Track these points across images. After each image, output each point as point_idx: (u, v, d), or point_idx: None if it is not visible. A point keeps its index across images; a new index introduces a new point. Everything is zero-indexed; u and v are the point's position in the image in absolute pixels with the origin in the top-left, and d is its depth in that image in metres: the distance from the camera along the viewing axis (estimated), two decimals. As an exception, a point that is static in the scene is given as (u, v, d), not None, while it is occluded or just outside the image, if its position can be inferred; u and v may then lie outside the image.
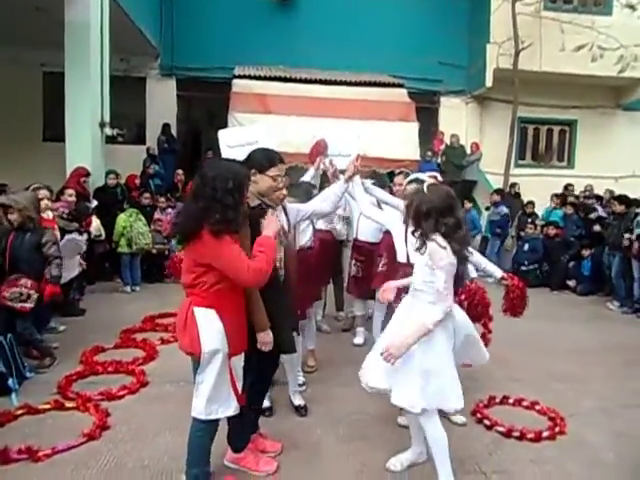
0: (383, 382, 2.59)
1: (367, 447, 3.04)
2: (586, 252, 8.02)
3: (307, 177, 4.32)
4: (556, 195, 9.89)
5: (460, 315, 2.69)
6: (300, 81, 9.49)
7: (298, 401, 3.52)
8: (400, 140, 8.65)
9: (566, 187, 10.64)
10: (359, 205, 3.59)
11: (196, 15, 10.91)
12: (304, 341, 4.13)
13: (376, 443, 3.08)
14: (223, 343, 2.33)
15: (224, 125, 8.14)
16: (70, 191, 5.90)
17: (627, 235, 6.77)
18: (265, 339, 2.55)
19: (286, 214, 3.19)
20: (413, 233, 2.55)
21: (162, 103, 11.04)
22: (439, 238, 2.43)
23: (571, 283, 8.15)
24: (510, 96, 10.95)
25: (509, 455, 3.02)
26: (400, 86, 9.96)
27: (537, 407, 3.63)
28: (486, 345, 3.22)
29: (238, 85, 9.21)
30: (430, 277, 2.46)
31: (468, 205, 9.28)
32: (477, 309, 3.24)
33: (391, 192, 4.28)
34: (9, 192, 5.00)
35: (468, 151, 11.19)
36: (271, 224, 2.47)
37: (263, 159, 2.72)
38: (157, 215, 7.92)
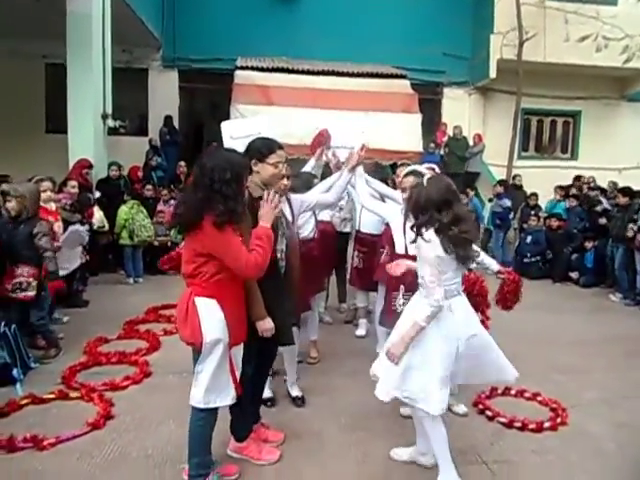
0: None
1: (369, 437, 3.06)
2: (589, 244, 8.01)
3: (308, 167, 4.31)
4: (560, 187, 9.85)
5: (462, 314, 2.54)
6: (303, 72, 9.46)
7: (295, 392, 3.54)
8: (403, 132, 8.63)
9: (576, 178, 10.42)
10: (359, 196, 3.59)
11: (198, 6, 10.87)
12: (307, 332, 4.15)
13: (378, 433, 3.10)
14: (224, 333, 2.34)
15: (226, 117, 8.13)
16: (73, 182, 5.91)
17: (631, 225, 6.75)
18: (265, 326, 2.56)
19: (290, 205, 3.20)
20: (411, 227, 2.53)
21: (164, 95, 11.01)
22: (427, 232, 2.43)
23: (574, 275, 8.13)
24: (514, 87, 10.88)
25: (511, 445, 3.04)
26: (403, 77, 9.92)
27: (539, 398, 3.64)
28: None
29: (240, 76, 9.18)
30: (421, 271, 2.47)
31: (471, 193, 9.25)
32: (477, 299, 3.25)
33: (394, 184, 4.27)
34: (11, 183, 5.00)
35: (471, 143, 11.15)
36: (267, 213, 2.46)
37: (262, 147, 2.72)
38: (160, 207, 7.93)
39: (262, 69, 9.50)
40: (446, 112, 11.97)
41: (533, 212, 9.10)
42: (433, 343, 2.44)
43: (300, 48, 10.46)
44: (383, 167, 8.31)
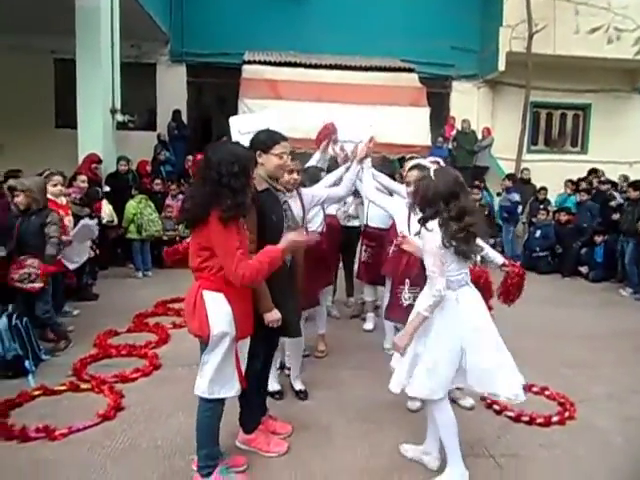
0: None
1: (376, 431, 3.08)
2: (599, 238, 7.95)
3: (313, 161, 4.32)
4: (570, 181, 9.77)
5: (468, 305, 2.53)
6: (310, 66, 9.44)
7: (299, 386, 3.57)
8: (411, 125, 8.59)
9: (590, 172, 10.13)
10: (364, 189, 3.59)
11: (206, 0, 10.85)
12: (315, 326, 4.17)
13: (385, 427, 3.11)
14: (231, 326, 2.36)
15: (234, 111, 8.14)
16: (82, 177, 5.96)
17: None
18: (273, 317, 2.58)
19: (300, 199, 3.21)
20: (419, 220, 2.53)
21: (172, 89, 11.03)
22: (430, 222, 2.44)
23: (583, 269, 8.09)
24: (523, 80, 10.78)
25: (518, 439, 3.04)
26: (411, 71, 9.87)
27: (547, 392, 3.64)
28: None
29: (248, 71, 9.19)
30: (425, 262, 2.48)
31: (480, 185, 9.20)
32: (482, 293, 3.25)
33: (402, 178, 4.27)
34: (19, 178, 5.04)
35: (479, 136, 11.08)
36: (292, 243, 2.43)
37: (265, 139, 2.73)
38: (168, 201, 7.97)
39: (270, 63, 9.50)
40: (454, 106, 11.89)
41: (542, 206, 9.04)
42: (435, 331, 2.46)
43: (308, 42, 10.42)
44: (391, 161, 8.27)
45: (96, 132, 7.58)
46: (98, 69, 7.54)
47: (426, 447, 2.78)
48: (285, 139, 2.77)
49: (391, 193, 4.05)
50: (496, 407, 3.36)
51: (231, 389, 2.45)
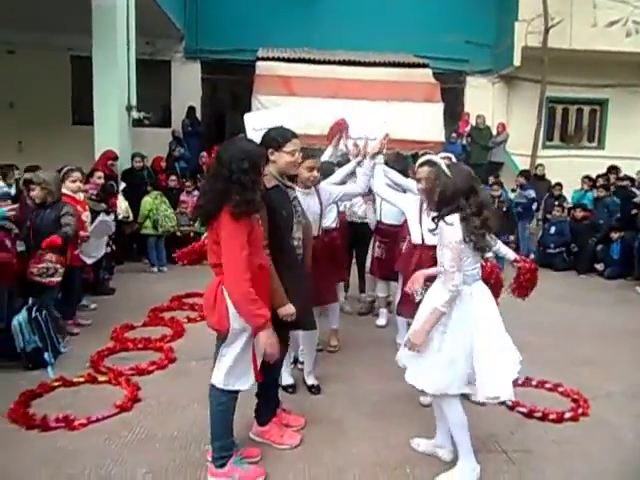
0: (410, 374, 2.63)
1: (388, 425, 3.10)
2: (615, 235, 7.86)
3: (325, 157, 4.34)
4: (588, 177, 9.66)
5: (481, 299, 2.53)
6: (324, 63, 9.45)
7: (311, 381, 3.60)
8: (425, 121, 8.57)
9: (610, 169, 9.91)
10: (375, 185, 3.60)
11: (220, -3, 10.91)
12: (328, 321, 4.21)
13: (397, 421, 3.13)
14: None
15: (248, 107, 8.19)
16: (99, 173, 6.05)
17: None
18: (287, 311, 2.61)
19: (318, 195, 3.25)
20: (435, 218, 2.52)
21: (187, 86, 11.12)
22: (450, 216, 2.42)
23: (599, 267, 8.01)
24: (538, 75, 10.68)
25: (531, 435, 3.04)
26: (425, 66, 9.83)
27: (560, 389, 3.63)
28: None
29: (262, 67, 9.22)
30: (441, 257, 2.47)
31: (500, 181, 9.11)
32: (494, 289, 3.26)
33: (414, 174, 4.27)
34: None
35: (494, 132, 10.99)
36: (266, 344, 2.38)
37: (277, 136, 2.76)
38: (183, 197, 8.06)
39: (283, 60, 9.52)
40: (469, 101, 11.82)
41: (557, 202, 8.96)
42: (451, 328, 2.46)
43: (321, 38, 10.44)
44: (404, 157, 8.26)
45: (112, 129, 7.67)
46: (114, 67, 7.63)
47: (437, 441, 2.79)
48: (296, 136, 2.80)
49: (405, 190, 4.07)
50: (509, 403, 3.35)
51: (246, 382, 2.49)
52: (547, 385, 3.68)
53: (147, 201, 7.27)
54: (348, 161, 4.13)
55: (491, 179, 9.22)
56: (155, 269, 7.26)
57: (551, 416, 3.20)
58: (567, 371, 3.93)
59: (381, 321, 5.09)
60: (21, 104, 10.45)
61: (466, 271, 2.47)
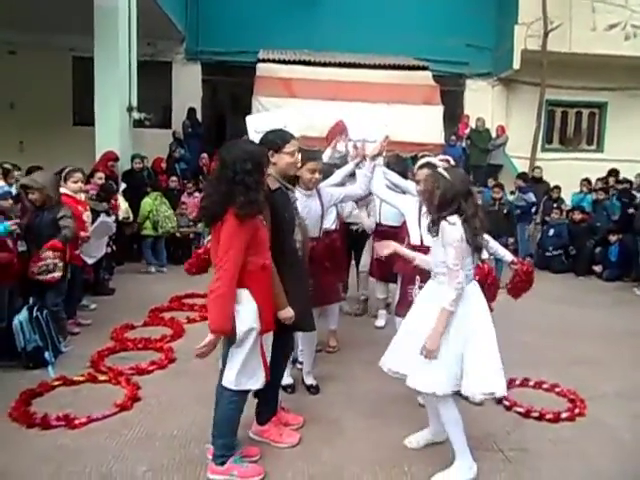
0: (403, 367, 2.64)
1: (386, 424, 3.12)
2: (613, 237, 7.90)
3: (325, 158, 4.37)
4: (587, 180, 9.71)
5: (476, 298, 2.59)
6: (324, 65, 9.49)
7: (310, 381, 3.63)
8: (424, 124, 8.61)
9: (610, 173, 9.84)
10: (374, 187, 3.64)
11: (221, -1, 10.95)
12: (327, 322, 4.23)
13: (395, 421, 3.16)
14: (257, 321, 2.43)
15: (248, 109, 8.23)
16: (100, 174, 6.08)
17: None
18: (286, 315, 2.65)
19: (320, 197, 3.28)
20: (436, 219, 2.55)
21: (187, 87, 11.17)
22: (451, 217, 2.47)
23: (597, 269, 8.05)
24: (538, 78, 10.73)
25: (527, 434, 3.07)
26: (425, 69, 9.87)
27: (557, 389, 3.66)
28: None
29: (262, 69, 9.26)
30: (444, 257, 2.50)
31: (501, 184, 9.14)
32: (489, 290, 3.30)
33: (414, 176, 4.30)
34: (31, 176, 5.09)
35: (494, 135, 11.04)
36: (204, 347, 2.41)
37: (276, 138, 2.80)
38: (184, 198, 8.09)
39: (284, 62, 9.57)
40: (469, 104, 11.87)
41: (555, 205, 8.99)
42: (455, 325, 2.48)
43: (322, 40, 10.50)
44: (404, 159, 8.29)
45: (113, 130, 7.70)
46: (115, 68, 7.66)
47: (432, 429, 2.86)
48: (294, 137, 2.85)
49: (404, 191, 4.10)
50: (506, 403, 3.39)
51: (257, 381, 2.52)
52: (544, 385, 3.71)
53: (147, 202, 7.30)
54: (347, 163, 4.17)
55: (491, 182, 9.25)
56: (152, 269, 7.27)
57: (548, 416, 3.23)
58: (565, 372, 3.96)
59: (380, 322, 5.11)
60: (22, 104, 10.48)
61: (465, 270, 2.51)
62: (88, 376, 3.63)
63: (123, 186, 7.45)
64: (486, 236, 3.29)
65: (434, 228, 2.55)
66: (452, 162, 3.41)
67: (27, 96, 10.30)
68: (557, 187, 9.44)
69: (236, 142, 2.61)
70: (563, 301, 6.41)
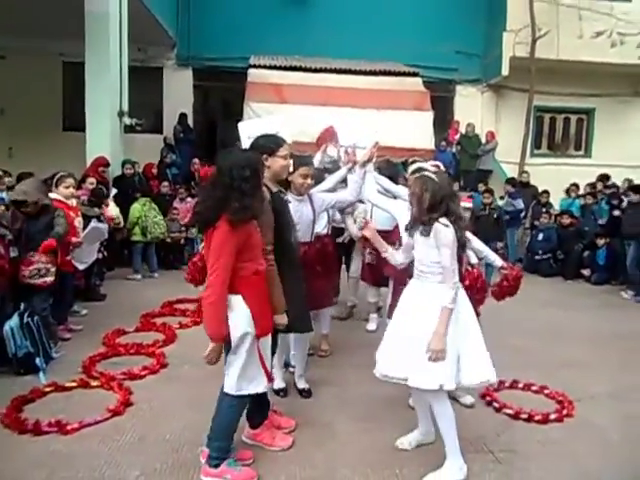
0: (399, 371, 2.68)
1: (377, 427, 3.15)
2: (601, 241, 8.00)
3: (316, 163, 4.41)
4: (575, 185, 9.84)
5: (462, 298, 2.69)
6: (315, 71, 9.55)
7: (302, 385, 3.65)
8: (414, 129, 8.69)
9: (601, 178, 9.98)
10: (366, 192, 3.68)
11: (212, 5, 10.99)
12: (318, 326, 4.26)
13: (386, 423, 3.18)
14: (251, 326, 2.45)
15: (240, 115, 8.26)
16: (91, 180, 6.07)
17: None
18: (281, 320, 2.70)
19: (311, 202, 3.32)
20: (428, 220, 2.61)
21: (179, 93, 11.17)
22: (442, 219, 2.57)
23: (585, 272, 8.15)
24: (526, 85, 10.87)
25: (517, 436, 3.11)
26: (415, 75, 9.97)
27: (546, 391, 3.71)
28: None
29: (254, 75, 9.29)
30: (437, 257, 2.58)
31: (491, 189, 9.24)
32: (479, 294, 3.37)
33: (406, 181, 4.35)
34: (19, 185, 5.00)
35: (483, 140, 11.15)
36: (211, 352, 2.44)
37: (270, 143, 2.87)
38: (176, 204, 8.09)
39: (275, 67, 9.61)
40: (459, 110, 11.97)
41: (544, 209, 9.10)
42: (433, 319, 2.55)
43: (313, 46, 10.55)
44: (395, 164, 8.36)
45: (104, 135, 7.69)
46: (106, 73, 7.66)
47: (421, 429, 2.91)
48: (285, 141, 2.93)
49: (394, 196, 4.14)
50: (496, 405, 3.44)
51: (258, 385, 2.55)
52: (533, 387, 3.76)
53: (136, 208, 7.26)
54: (338, 168, 4.21)
55: (482, 187, 9.35)
56: (139, 276, 7.20)
57: (537, 417, 3.28)
58: (553, 374, 4.02)
59: (371, 326, 5.15)
60: (12, 110, 10.43)
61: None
62: (80, 382, 3.62)
63: (114, 191, 7.43)
64: (477, 241, 3.38)
65: (425, 230, 2.61)
66: (442, 167, 3.46)
67: (17, 101, 10.25)
68: (546, 192, 9.56)
69: (232, 150, 2.67)
70: (552, 304, 6.48)
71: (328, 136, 4.45)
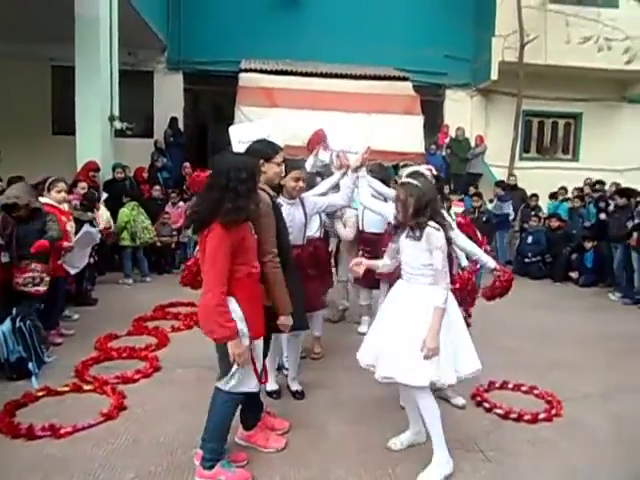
0: (391, 370, 2.72)
1: (370, 428, 3.19)
2: (589, 244, 8.11)
3: (308, 167, 4.44)
4: (563, 189, 9.97)
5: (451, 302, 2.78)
6: (306, 75, 9.61)
7: (295, 387, 3.68)
8: (405, 133, 8.77)
9: (595, 184, 9.82)
10: (361, 197, 3.73)
11: (203, 8, 11.00)
12: (311, 329, 4.28)
13: (378, 424, 3.22)
14: (244, 328, 2.47)
15: (231, 118, 8.28)
16: (83, 184, 6.06)
17: (630, 223, 6.85)
18: (286, 321, 2.77)
19: (303, 206, 3.36)
20: (417, 224, 2.67)
21: (169, 97, 11.17)
22: (432, 222, 2.65)
23: (573, 275, 8.24)
24: (515, 89, 11.01)
25: (506, 435, 3.16)
26: (405, 79, 10.06)
27: (535, 391, 3.76)
28: (467, 327, 3.48)
29: (244, 79, 9.33)
30: (429, 260, 2.65)
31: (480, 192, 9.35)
32: (470, 296, 3.43)
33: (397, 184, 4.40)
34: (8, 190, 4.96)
35: (473, 144, 11.26)
36: (237, 353, 2.44)
37: (267, 149, 2.91)
38: (168, 208, 8.08)
39: (266, 71, 9.66)
40: (448, 114, 12.08)
41: (533, 212, 9.21)
42: (425, 322, 2.61)
43: (303, 51, 10.61)
44: (386, 168, 8.43)
45: (94, 139, 7.67)
46: (97, 77, 7.64)
47: (413, 429, 2.96)
48: (282, 148, 2.97)
49: (385, 199, 4.19)
50: (486, 405, 3.49)
51: (249, 385, 2.57)
52: (523, 388, 3.81)
53: (124, 212, 7.23)
54: (329, 172, 4.25)
55: (472, 190, 9.44)
56: (130, 281, 7.18)
57: (526, 417, 3.33)
58: (542, 374, 4.07)
59: (363, 328, 5.17)
60: (0, 114, 10.36)
61: None
62: (73, 386, 3.62)
63: (105, 196, 7.41)
64: (470, 243, 3.44)
65: (414, 233, 2.68)
66: (434, 172, 3.52)
67: (5, 105, 10.18)
68: (535, 195, 9.67)
69: (228, 153, 2.70)
70: (541, 306, 6.56)
71: (318, 139, 4.48)
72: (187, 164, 9.46)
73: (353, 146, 3.86)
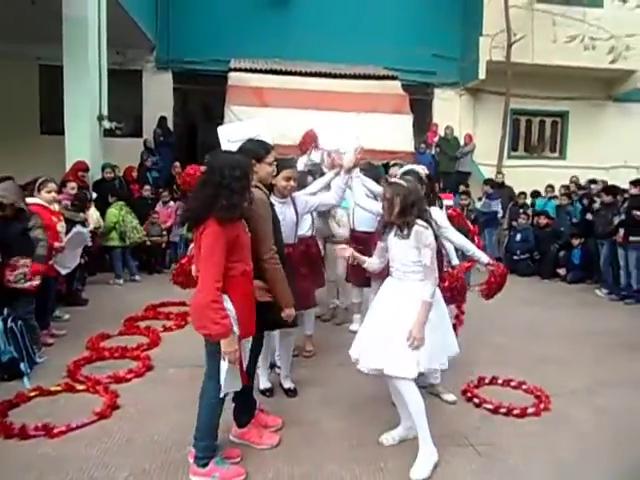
0: (379, 362, 2.77)
1: (362, 424, 3.22)
2: (576, 241, 8.22)
3: (300, 166, 4.48)
4: (550, 186, 10.09)
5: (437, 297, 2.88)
6: (295, 74, 9.62)
7: (288, 384, 3.71)
8: (395, 132, 8.82)
9: (589, 183, 9.88)
10: (354, 195, 3.77)
11: (192, 8, 10.98)
12: (302, 327, 4.32)
13: (370, 420, 3.26)
14: (236, 326, 2.49)
15: (220, 118, 8.28)
16: (72, 184, 6.04)
17: (616, 219, 6.96)
18: (290, 312, 2.88)
19: (294, 205, 3.39)
20: (405, 223, 2.73)
21: (158, 96, 11.12)
22: (420, 221, 2.74)
23: (561, 271, 8.35)
24: (503, 88, 11.11)
25: (496, 430, 3.21)
26: (394, 78, 10.11)
27: (524, 387, 3.82)
28: (460, 324, 3.66)
29: (234, 78, 9.32)
30: (417, 257, 2.73)
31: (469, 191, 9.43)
32: (460, 294, 3.48)
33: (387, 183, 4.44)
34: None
35: (462, 143, 11.35)
36: (228, 349, 2.45)
37: (260, 148, 2.93)
38: (158, 208, 8.07)
39: (255, 71, 9.66)
40: (437, 112, 12.17)
41: (522, 210, 9.31)
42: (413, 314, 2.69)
43: (293, 50, 10.63)
44: (376, 167, 8.47)
45: (83, 139, 7.63)
46: (85, 77, 7.61)
47: (405, 424, 3.00)
48: (273, 148, 2.99)
49: (376, 197, 4.23)
50: (476, 400, 3.54)
51: (235, 384, 2.58)
52: (512, 383, 3.88)
53: (112, 212, 7.20)
54: (320, 171, 4.28)
55: (462, 188, 9.52)
56: (121, 281, 7.17)
57: (515, 412, 3.38)
58: (531, 370, 4.14)
59: (354, 326, 5.20)
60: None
61: None
62: (65, 386, 3.62)
63: (94, 195, 7.37)
64: (463, 239, 3.50)
65: (402, 232, 2.75)
66: (427, 171, 3.58)
67: (-8, 105, 10.10)
68: (523, 193, 9.78)
69: (223, 152, 2.72)
70: (530, 303, 6.65)
71: (310, 140, 4.51)
72: (177, 164, 9.44)
73: (344, 146, 3.89)
